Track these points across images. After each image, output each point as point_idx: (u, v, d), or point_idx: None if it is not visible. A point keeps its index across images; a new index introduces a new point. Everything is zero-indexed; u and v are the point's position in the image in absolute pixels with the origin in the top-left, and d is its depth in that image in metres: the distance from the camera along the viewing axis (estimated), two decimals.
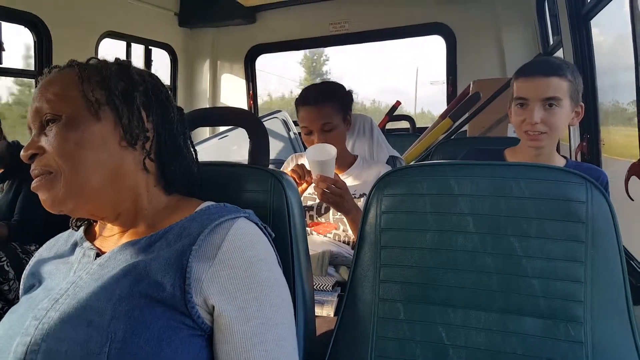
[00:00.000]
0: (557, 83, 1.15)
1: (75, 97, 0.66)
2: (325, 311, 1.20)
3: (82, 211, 0.69)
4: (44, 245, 0.79)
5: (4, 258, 1.61)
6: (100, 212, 0.70)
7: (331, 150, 1.29)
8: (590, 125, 1.83)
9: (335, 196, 1.27)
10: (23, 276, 0.76)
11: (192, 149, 0.78)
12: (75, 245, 0.74)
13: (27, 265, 0.77)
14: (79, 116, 0.66)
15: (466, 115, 2.59)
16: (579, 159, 1.87)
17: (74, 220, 0.78)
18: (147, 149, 0.71)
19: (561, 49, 2.04)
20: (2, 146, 1.84)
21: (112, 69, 0.70)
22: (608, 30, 1.89)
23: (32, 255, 1.43)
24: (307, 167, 1.56)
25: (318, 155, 1.27)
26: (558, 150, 1.29)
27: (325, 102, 1.42)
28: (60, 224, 0.82)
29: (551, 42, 2.59)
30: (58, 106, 0.65)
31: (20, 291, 0.76)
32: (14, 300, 1.57)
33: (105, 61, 0.72)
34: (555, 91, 1.15)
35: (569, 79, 1.16)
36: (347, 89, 1.53)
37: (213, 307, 0.61)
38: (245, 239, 0.65)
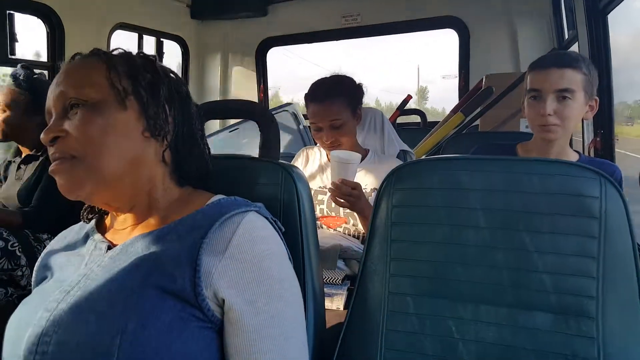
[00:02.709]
0: (571, 75, 1.13)
1: (102, 84, 0.67)
2: (335, 304, 1.20)
3: (98, 198, 0.69)
4: (56, 238, 0.80)
5: (16, 244, 1.62)
6: (115, 202, 0.70)
7: (357, 158, 1.28)
8: (604, 121, 1.80)
9: (353, 198, 1.26)
10: (35, 269, 0.77)
11: (207, 146, 0.79)
12: (87, 237, 0.74)
13: (39, 258, 0.78)
14: (105, 103, 0.66)
15: (478, 109, 2.57)
16: (591, 154, 1.85)
17: (85, 212, 0.79)
18: (168, 142, 0.72)
19: (576, 44, 2.00)
20: (37, 130, 1.84)
21: (138, 60, 0.71)
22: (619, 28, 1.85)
23: (44, 244, 1.42)
24: (322, 161, 1.56)
25: (343, 158, 1.26)
26: (571, 145, 1.28)
27: (334, 97, 1.41)
28: (73, 216, 0.82)
29: (566, 37, 2.55)
30: (85, 91, 0.66)
31: (33, 283, 0.77)
32: (27, 287, 1.59)
33: (130, 52, 0.73)
34: (569, 83, 1.13)
35: (584, 72, 1.14)
36: (357, 82, 1.52)
37: (223, 300, 0.62)
38: (255, 233, 0.65)
